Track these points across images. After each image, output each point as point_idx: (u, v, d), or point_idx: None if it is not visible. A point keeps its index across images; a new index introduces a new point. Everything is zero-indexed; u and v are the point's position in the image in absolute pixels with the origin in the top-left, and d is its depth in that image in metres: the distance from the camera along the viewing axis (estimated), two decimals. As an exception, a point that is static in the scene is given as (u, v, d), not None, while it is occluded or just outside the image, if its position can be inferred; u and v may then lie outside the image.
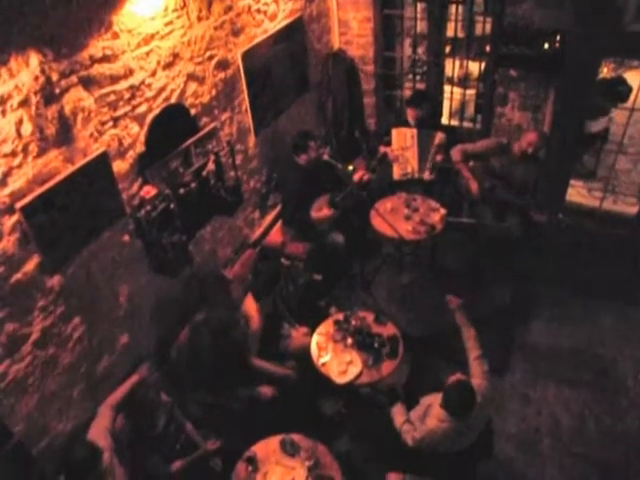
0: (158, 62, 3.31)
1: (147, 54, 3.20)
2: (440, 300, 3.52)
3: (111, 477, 2.71)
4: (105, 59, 2.91)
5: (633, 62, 6.71)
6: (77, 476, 2.59)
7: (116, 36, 2.95)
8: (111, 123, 3.06)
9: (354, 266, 5.21)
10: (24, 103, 2.51)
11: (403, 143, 5.09)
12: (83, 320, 3.11)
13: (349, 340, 3.72)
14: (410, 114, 5.11)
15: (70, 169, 2.81)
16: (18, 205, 2.56)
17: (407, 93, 5.85)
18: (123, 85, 3.07)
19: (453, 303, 3.41)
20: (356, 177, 4.69)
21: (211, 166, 3.85)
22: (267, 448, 3.18)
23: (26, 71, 2.48)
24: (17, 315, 2.70)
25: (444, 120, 5.89)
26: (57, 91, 2.66)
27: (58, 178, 2.74)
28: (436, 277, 5.03)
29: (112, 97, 3.02)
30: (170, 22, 3.34)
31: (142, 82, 3.21)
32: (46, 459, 2.97)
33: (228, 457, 3.22)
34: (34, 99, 2.54)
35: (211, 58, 3.82)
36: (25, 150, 2.57)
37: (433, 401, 3.07)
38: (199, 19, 3.60)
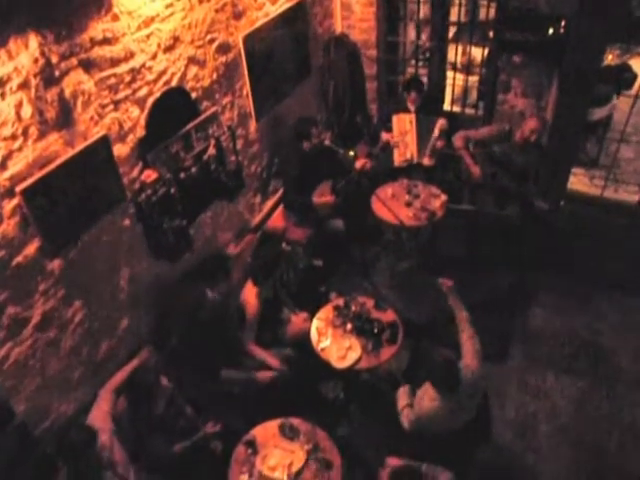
0: (159, 45, 3.28)
1: (147, 37, 3.17)
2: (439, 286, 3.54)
3: (111, 459, 2.74)
4: (105, 41, 2.89)
5: (639, 48, 6.66)
6: (71, 458, 2.61)
7: (116, 18, 2.92)
8: (111, 106, 3.04)
9: (354, 252, 5.21)
10: (24, 85, 2.49)
11: (403, 129, 5.08)
12: (84, 304, 3.12)
13: (349, 325, 3.73)
14: (408, 99, 5.10)
15: (70, 153, 2.80)
16: (18, 188, 2.55)
17: (410, 79, 5.81)
18: (123, 68, 3.05)
19: (446, 285, 3.42)
20: (358, 164, 4.67)
21: (212, 150, 3.84)
22: (266, 432, 3.20)
23: (25, 53, 2.47)
24: (18, 298, 2.71)
25: (446, 106, 5.86)
26: (57, 74, 2.64)
27: (58, 162, 2.73)
28: (436, 263, 5.02)
29: (112, 80, 3.00)
30: (170, 4, 3.30)
31: (142, 65, 3.19)
32: (48, 440, 3.00)
33: (228, 440, 3.25)
34: (34, 81, 2.53)
35: (212, 41, 3.79)
36: (25, 133, 2.56)
37: (428, 384, 3.10)
38: (200, 1, 3.57)
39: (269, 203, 5.05)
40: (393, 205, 4.57)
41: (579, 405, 4.03)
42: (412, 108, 5.12)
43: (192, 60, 3.62)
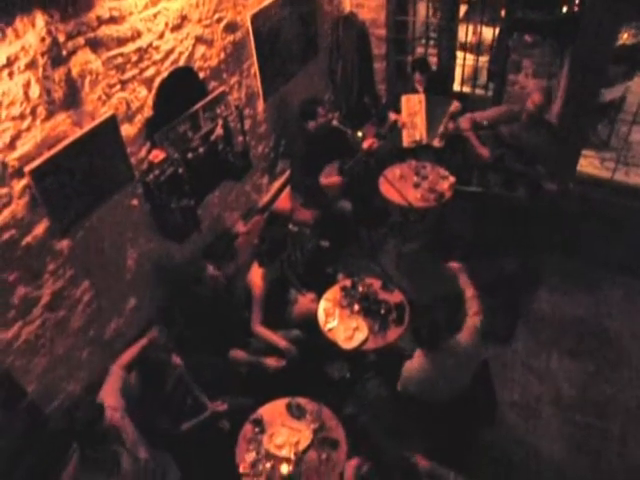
0: (166, 24, 3.25)
1: (154, 16, 3.14)
2: (447, 268, 3.56)
3: (122, 435, 2.77)
4: (112, 20, 2.86)
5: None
6: (80, 434, 2.65)
7: (123, -4, 2.89)
8: (119, 86, 3.03)
9: (362, 233, 5.21)
10: (31, 65, 2.48)
11: (412, 109, 5.03)
12: (92, 284, 3.15)
13: (356, 306, 3.75)
14: (416, 79, 5.04)
15: (78, 133, 2.80)
16: (27, 169, 2.56)
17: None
18: (131, 47, 3.03)
19: (455, 268, 3.45)
20: (365, 145, 4.64)
21: (219, 131, 3.82)
22: (273, 411, 3.24)
23: (32, 32, 2.45)
24: (28, 278, 2.74)
25: (456, 87, 5.79)
26: (64, 53, 2.63)
27: (66, 142, 2.73)
28: (443, 245, 5.02)
29: (120, 60, 2.98)
30: (178, -18, 3.27)
31: (150, 45, 3.16)
32: (58, 418, 3.05)
33: (235, 419, 3.29)
34: (41, 61, 2.52)
35: (220, 20, 3.75)
36: (33, 113, 2.56)
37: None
38: (207, -21, 3.52)
39: (276, 184, 5.04)
40: (401, 186, 4.56)
41: (583, 388, 4.05)
42: (420, 89, 5.07)
43: (200, 39, 3.59)
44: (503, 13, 4.96)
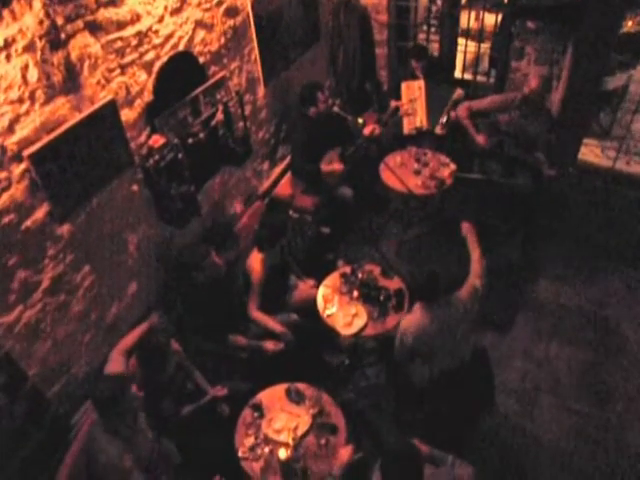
0: (165, 8, 3.22)
1: (154, -1, 3.11)
2: (448, 254, 3.57)
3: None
4: (111, 3, 2.83)
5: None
6: (108, 408, 2.67)
7: (121, -22, 2.87)
8: (118, 70, 3.01)
9: (362, 220, 5.21)
10: (29, 48, 2.46)
11: (412, 96, 5.01)
12: (92, 269, 3.15)
13: (355, 293, 3.76)
14: (415, 66, 5.02)
15: (78, 117, 2.78)
16: (26, 153, 2.55)
17: (421, 45, 5.69)
18: (130, 31, 3.01)
19: (465, 227, 3.50)
20: (366, 131, 4.62)
21: (220, 116, 3.81)
22: (273, 396, 3.26)
23: (30, 14, 2.42)
24: (28, 262, 2.73)
25: (457, 74, 5.76)
26: (63, 36, 2.60)
27: (66, 126, 2.71)
28: (444, 232, 5.02)
29: (119, 44, 2.96)
30: (178, -35, 3.24)
31: (149, 28, 3.14)
32: (60, 402, 3.06)
33: (235, 404, 3.31)
34: (39, 44, 2.49)
35: (220, 4, 3.72)
36: (32, 97, 2.54)
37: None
38: (208, -38, 3.49)
39: (277, 170, 5.03)
40: (402, 173, 4.55)
41: (582, 376, 4.06)
42: (420, 75, 5.04)
43: (199, 24, 3.56)
44: (506, -1, 4.93)
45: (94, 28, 2.77)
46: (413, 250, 5.01)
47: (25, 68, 2.47)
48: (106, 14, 2.82)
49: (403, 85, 5.02)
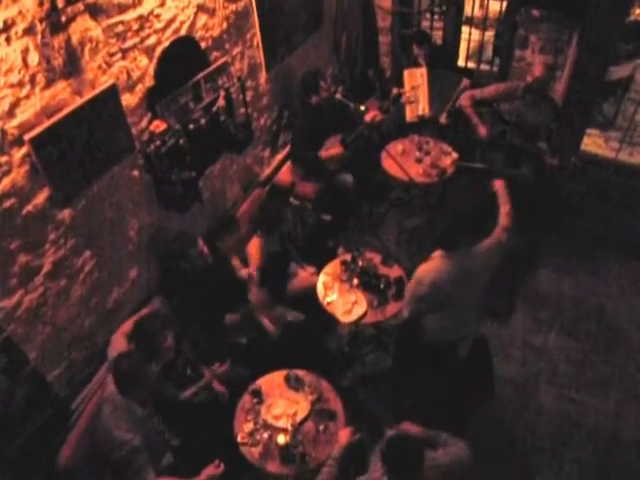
0: (167, -9, 3.19)
1: (155, -18, 3.08)
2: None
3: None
4: (112, -14, 2.81)
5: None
6: (128, 384, 2.73)
7: (123, -40, 2.84)
8: (120, 55, 2.98)
9: (363, 208, 5.20)
10: (29, 31, 2.44)
11: (414, 83, 4.98)
12: (93, 254, 3.15)
13: (355, 280, 3.76)
14: (417, 52, 4.98)
15: (79, 101, 2.76)
16: (27, 137, 2.54)
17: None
18: (131, 15, 2.98)
19: (497, 183, 3.45)
20: (368, 118, 4.60)
21: (221, 102, 3.79)
22: (272, 382, 3.28)
23: (30, -5, 2.40)
24: (29, 247, 2.73)
25: (461, 62, 5.71)
26: (63, 19, 2.58)
27: (66, 110, 2.70)
28: (444, 221, 5.01)
29: (120, 28, 2.93)
30: (180, -53, 3.20)
31: (151, 12, 3.11)
32: (60, 386, 3.09)
33: (234, 390, 3.33)
34: (39, 27, 2.47)
35: (222, -12, 3.68)
36: (32, 81, 2.52)
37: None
38: (210, -55, 3.45)
39: (278, 157, 5.01)
40: (403, 161, 4.54)
41: (580, 367, 4.09)
42: (423, 62, 5.01)
43: (201, 8, 3.53)
44: (512, -14, 4.88)
45: (95, 11, 2.74)
46: (413, 239, 5.00)
47: (25, 51, 2.45)
48: (107, -3, 2.79)
49: (405, 73, 4.99)
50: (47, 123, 2.61)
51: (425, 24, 5.88)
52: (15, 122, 2.49)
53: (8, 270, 2.65)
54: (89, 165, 2.93)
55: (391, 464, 2.40)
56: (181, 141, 3.40)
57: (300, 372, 3.29)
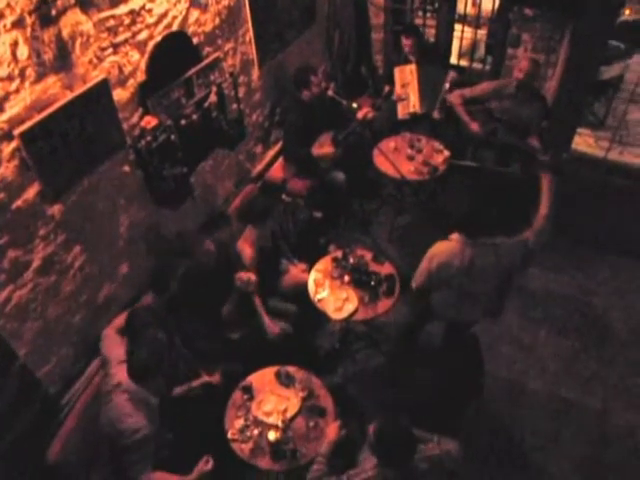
0: (159, -14, 3.18)
1: (147, -24, 3.07)
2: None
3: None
4: (103, -20, 2.79)
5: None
6: (146, 374, 2.75)
7: (114, -47, 2.82)
8: (111, 49, 2.96)
9: (354, 205, 5.21)
10: (18, 24, 2.41)
11: (404, 80, 4.98)
12: (84, 249, 3.14)
13: (346, 277, 3.76)
14: (405, 44, 4.97)
15: (69, 96, 2.74)
16: (16, 131, 2.52)
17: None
18: (123, 9, 2.96)
19: (546, 180, 3.21)
20: (360, 115, 4.60)
21: (213, 98, 3.77)
22: (263, 378, 3.28)
23: (18, -12, 2.38)
24: (19, 242, 2.72)
25: (453, 60, 5.72)
26: (53, 12, 2.55)
27: (57, 105, 2.68)
28: (436, 219, 5.03)
29: (111, 22, 2.91)
30: (172, -58, 3.18)
31: (142, 7, 3.09)
32: (49, 382, 3.07)
33: (225, 386, 3.33)
34: (29, 20, 2.45)
35: (215, -16, 3.67)
36: (22, 75, 2.50)
37: None
38: (203, -60, 3.43)
39: (270, 153, 5.01)
40: (395, 159, 4.54)
41: (569, 364, 4.12)
42: (412, 58, 5.01)
43: (193, 3, 3.51)
44: (504, -16, 4.89)
45: (86, 5, 2.72)
46: (405, 236, 5.02)
47: (15, 45, 2.42)
48: (98, -9, 2.77)
49: (396, 70, 5.00)
50: (37, 118, 2.59)
51: (418, 22, 5.88)
52: (5, 116, 2.47)
53: (-3, 265, 2.64)
54: (80, 160, 2.91)
55: (383, 452, 2.40)
56: (172, 137, 3.39)
57: (291, 369, 3.30)
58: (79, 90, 2.78)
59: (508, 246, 3.05)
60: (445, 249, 3.07)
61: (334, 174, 4.74)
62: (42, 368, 3.03)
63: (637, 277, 4.67)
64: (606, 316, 4.41)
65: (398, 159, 4.57)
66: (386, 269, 3.83)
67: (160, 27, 3.27)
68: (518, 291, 4.58)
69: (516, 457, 3.64)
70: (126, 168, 3.31)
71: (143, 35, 3.16)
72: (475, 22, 5.62)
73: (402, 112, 5.05)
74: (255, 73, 4.45)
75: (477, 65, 5.72)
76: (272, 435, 2.91)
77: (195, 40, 3.60)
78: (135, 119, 3.26)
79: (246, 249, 3.70)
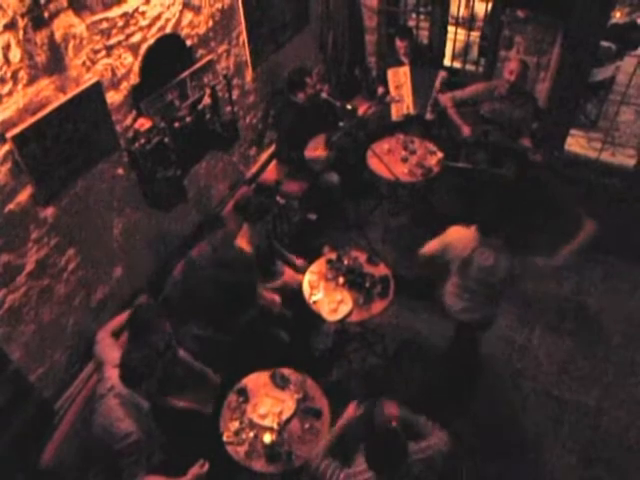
0: (152, -12, 3.17)
1: (141, -22, 3.06)
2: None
3: None
4: (96, -18, 2.78)
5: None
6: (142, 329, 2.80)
7: (107, -44, 2.81)
8: (104, 52, 2.96)
9: (349, 206, 5.21)
10: (10, 26, 2.40)
11: (398, 82, 5.00)
12: (77, 252, 3.13)
13: (341, 279, 3.77)
14: (399, 46, 4.98)
15: (62, 99, 2.74)
16: (9, 134, 2.51)
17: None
18: (116, 12, 2.95)
19: (588, 227, 3.45)
20: (361, 110, 4.61)
21: (207, 100, 3.77)
22: (258, 381, 3.28)
23: (10, -10, 2.37)
24: (11, 246, 2.70)
25: (446, 62, 5.74)
26: (46, 15, 2.55)
27: (50, 108, 2.67)
28: (430, 220, 5.04)
29: (105, 25, 2.91)
30: (165, -56, 3.18)
31: (136, 10, 3.08)
32: (43, 386, 3.05)
33: (220, 389, 3.32)
34: (21, 22, 2.44)
35: (208, -14, 3.66)
36: (15, 77, 2.49)
37: None
38: (196, -57, 3.43)
39: (264, 155, 5.00)
40: (389, 160, 4.55)
41: (562, 364, 4.14)
42: (405, 60, 5.02)
43: (187, 6, 3.51)
44: (497, -14, 4.91)
45: (78, 7, 2.72)
46: (399, 237, 5.02)
47: (7, 47, 2.42)
48: (91, -7, 2.76)
49: (389, 72, 5.01)
50: (30, 120, 2.59)
51: (412, 23, 5.89)
52: (-3, 119, 2.46)
53: (-10, 269, 2.62)
54: (73, 163, 2.91)
55: (374, 462, 2.42)
56: (166, 139, 3.38)
57: (286, 371, 3.30)
58: (72, 93, 2.78)
59: (507, 259, 3.19)
60: (459, 232, 3.25)
61: (328, 176, 4.74)
62: (36, 372, 3.01)
63: (630, 278, 4.69)
64: (600, 317, 4.43)
65: (392, 161, 4.58)
66: (380, 270, 3.83)
67: (153, 29, 3.26)
68: (512, 292, 4.59)
69: (511, 456, 3.65)
70: (120, 171, 3.31)
71: (136, 37, 3.15)
72: (468, 24, 5.64)
73: (396, 114, 5.06)
74: (249, 75, 4.45)
75: (470, 67, 5.73)
76: (267, 437, 2.91)
77: (188, 42, 3.60)
78: (129, 121, 3.25)
79: (245, 246, 3.69)
